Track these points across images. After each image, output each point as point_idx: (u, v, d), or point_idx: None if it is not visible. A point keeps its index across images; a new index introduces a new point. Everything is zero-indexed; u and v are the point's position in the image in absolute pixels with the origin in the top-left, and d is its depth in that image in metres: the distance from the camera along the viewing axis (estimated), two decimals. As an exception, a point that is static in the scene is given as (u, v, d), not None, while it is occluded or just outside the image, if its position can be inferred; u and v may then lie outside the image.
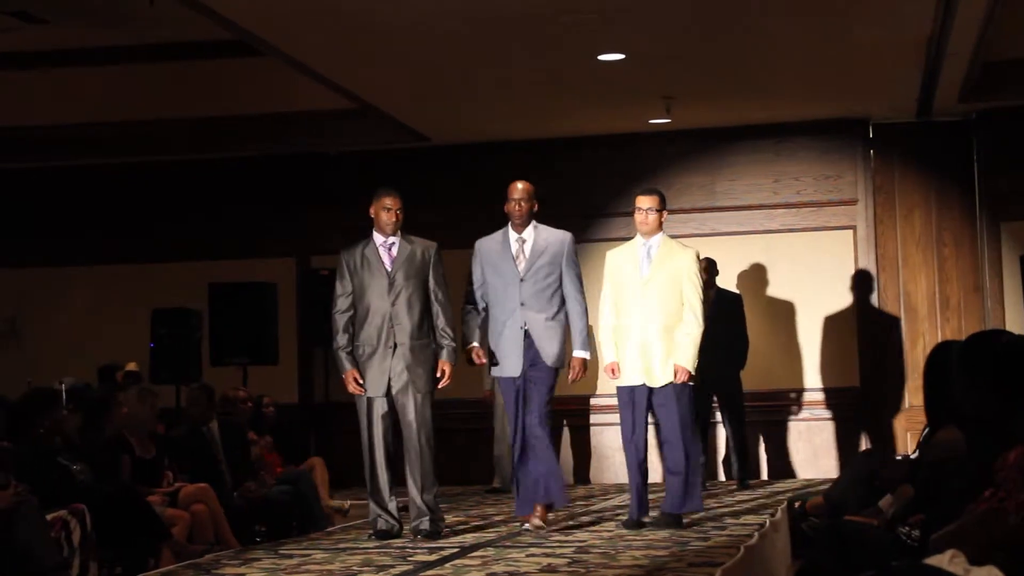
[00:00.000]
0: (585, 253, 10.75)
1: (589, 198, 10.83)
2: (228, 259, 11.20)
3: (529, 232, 6.74)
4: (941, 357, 4.97)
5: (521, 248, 6.71)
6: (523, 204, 6.70)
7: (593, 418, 10.75)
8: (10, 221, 11.73)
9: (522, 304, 6.60)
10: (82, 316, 11.44)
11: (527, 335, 6.60)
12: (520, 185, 6.75)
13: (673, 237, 7.11)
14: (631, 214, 7.05)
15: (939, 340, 10.33)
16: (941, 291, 10.54)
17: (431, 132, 10.52)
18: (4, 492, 5.57)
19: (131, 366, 9.88)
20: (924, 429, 6.21)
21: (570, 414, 10.70)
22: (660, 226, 6.75)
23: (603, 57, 8.52)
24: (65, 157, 11.41)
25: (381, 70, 8.74)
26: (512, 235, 6.75)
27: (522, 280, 6.64)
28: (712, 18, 7.79)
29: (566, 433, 10.83)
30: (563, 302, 6.69)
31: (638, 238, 6.75)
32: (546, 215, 10.63)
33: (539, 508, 6.64)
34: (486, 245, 6.79)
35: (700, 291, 6.72)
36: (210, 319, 10.14)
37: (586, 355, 6.73)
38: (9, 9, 7.77)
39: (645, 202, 6.76)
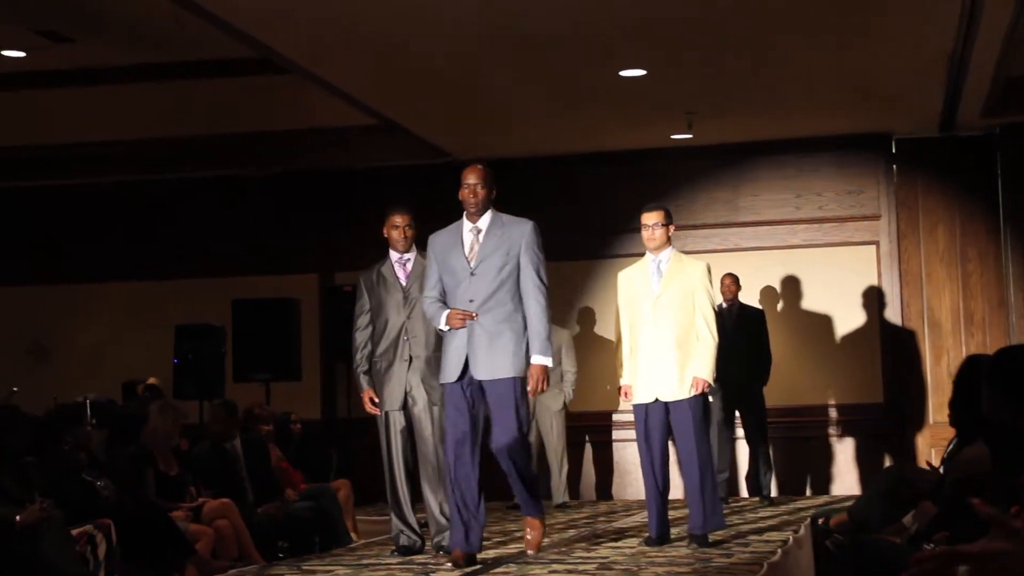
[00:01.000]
0: (606, 269, 10.80)
1: (611, 214, 10.85)
2: (251, 275, 11.26)
3: (485, 220, 5.87)
4: (971, 371, 4.93)
5: (476, 238, 5.85)
6: (479, 190, 5.83)
7: (615, 434, 10.74)
8: (36, 239, 11.83)
9: (471, 301, 5.75)
10: (107, 333, 11.52)
11: (473, 338, 5.74)
12: (478, 167, 5.91)
13: (687, 252, 7.06)
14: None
15: (963, 356, 10.30)
16: (965, 306, 10.49)
17: (453, 149, 10.56)
18: (30, 507, 5.61)
19: (151, 380, 9.94)
20: (949, 445, 6.18)
21: (592, 430, 10.70)
22: (668, 241, 6.64)
23: (625, 73, 8.53)
24: (90, 174, 11.50)
25: (403, 87, 8.78)
26: (466, 225, 5.90)
27: (472, 274, 5.78)
28: (733, 34, 7.80)
29: (588, 449, 10.82)
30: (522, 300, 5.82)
31: (648, 255, 6.70)
32: (568, 231, 10.76)
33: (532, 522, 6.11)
34: (439, 239, 5.96)
35: (713, 303, 6.66)
36: (233, 335, 10.20)
37: (546, 362, 5.77)
38: (37, 28, 7.86)
39: (650, 218, 6.64)
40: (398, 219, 6.58)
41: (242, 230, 11.50)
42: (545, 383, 5.80)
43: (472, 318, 5.71)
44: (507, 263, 5.77)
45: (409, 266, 6.59)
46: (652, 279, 6.61)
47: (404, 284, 6.54)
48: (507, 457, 5.79)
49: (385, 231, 6.64)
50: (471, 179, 5.86)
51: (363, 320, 6.61)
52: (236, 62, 8.58)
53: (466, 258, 5.82)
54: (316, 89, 8.70)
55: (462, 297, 5.78)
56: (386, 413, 6.51)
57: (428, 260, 6.02)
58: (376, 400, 6.51)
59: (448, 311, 5.78)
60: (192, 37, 7.87)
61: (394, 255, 6.62)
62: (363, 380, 6.57)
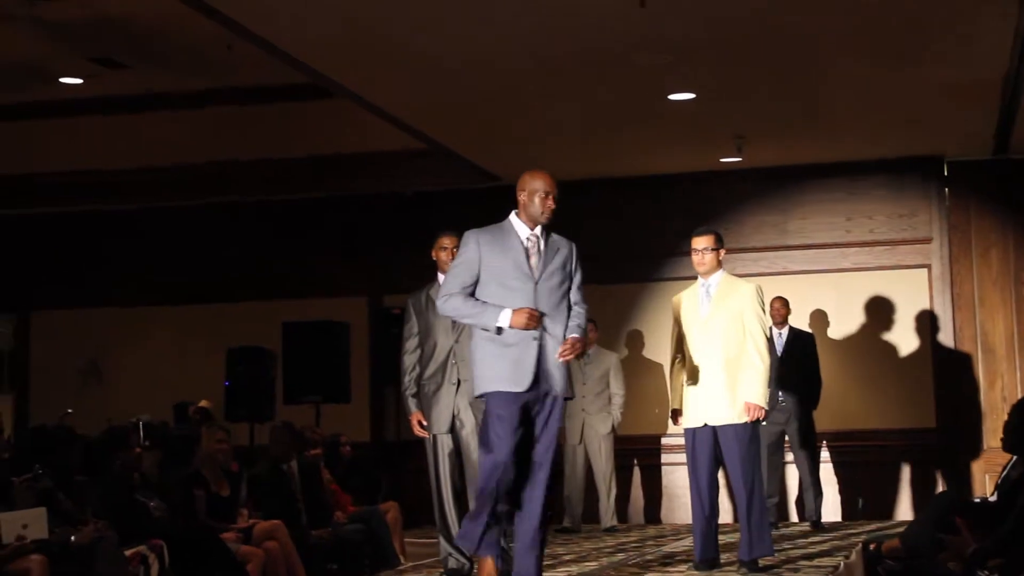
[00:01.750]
0: (655, 292, 10.79)
1: (660, 237, 10.84)
2: (302, 298, 11.35)
3: (538, 231, 5.54)
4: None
5: (536, 244, 5.51)
6: (555, 199, 5.52)
7: (664, 457, 10.68)
8: (91, 262, 12.01)
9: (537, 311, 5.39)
10: (160, 355, 11.65)
11: (547, 350, 5.39)
12: (549, 175, 5.59)
13: (736, 275, 7.03)
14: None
15: (1018, 381, 10.18)
16: (1020, 331, 10.36)
17: (501, 171, 10.60)
18: (84, 528, 5.68)
19: (203, 403, 10.03)
20: (1003, 471, 6.11)
21: (641, 453, 10.66)
22: (719, 264, 6.62)
23: (674, 96, 8.54)
24: (145, 198, 11.67)
25: (451, 111, 8.84)
26: (522, 230, 5.52)
27: (536, 284, 5.41)
28: (783, 57, 7.78)
29: (637, 472, 10.78)
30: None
31: (699, 279, 6.70)
32: (616, 254, 10.76)
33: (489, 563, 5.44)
34: (486, 236, 5.51)
35: (764, 325, 6.56)
36: (284, 358, 10.28)
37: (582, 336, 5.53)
38: (93, 56, 8.01)
39: (700, 242, 6.64)
40: (447, 241, 6.60)
41: (293, 253, 11.60)
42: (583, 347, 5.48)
43: (540, 321, 5.34)
44: (564, 279, 5.51)
45: None
46: (701, 303, 6.60)
47: None
48: (546, 474, 5.42)
49: (434, 253, 6.68)
50: (548, 186, 5.50)
51: (411, 343, 6.64)
52: (287, 87, 8.69)
53: (529, 264, 5.44)
54: (366, 113, 8.78)
55: (522, 305, 5.36)
56: (434, 436, 6.53)
57: (466, 254, 5.48)
58: (424, 423, 6.54)
59: (512, 309, 5.31)
60: (244, 63, 7.98)
61: (442, 278, 6.65)
62: (411, 403, 6.59)
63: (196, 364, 11.15)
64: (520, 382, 5.32)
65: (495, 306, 5.34)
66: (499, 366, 5.35)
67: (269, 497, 7.27)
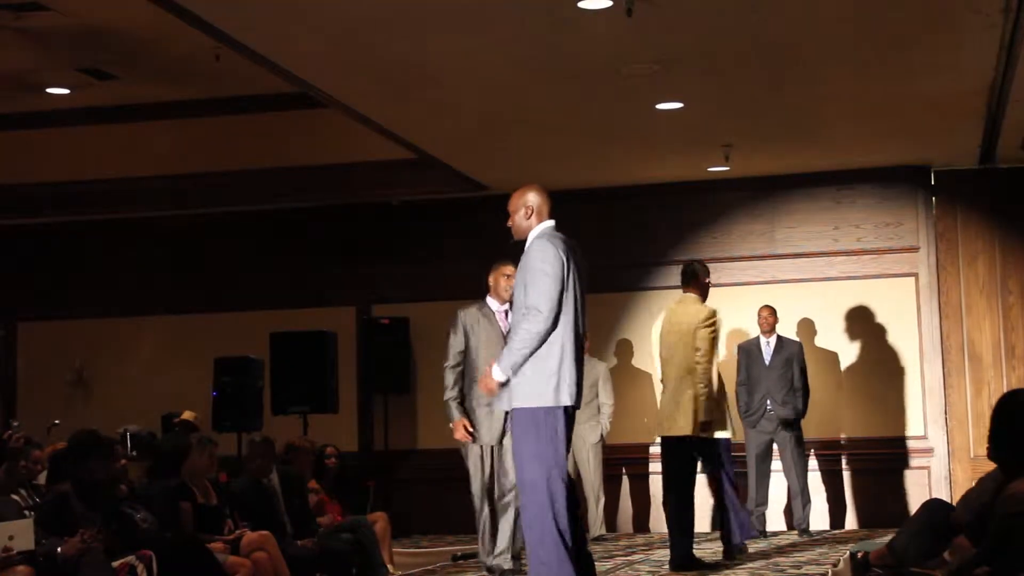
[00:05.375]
0: (643, 301, 10.80)
1: (648, 246, 10.86)
2: (289, 308, 11.33)
3: None
4: (1012, 405, 4.92)
5: None
6: None
7: (652, 466, 10.67)
8: (78, 273, 11.97)
9: None
10: (147, 365, 11.61)
11: None
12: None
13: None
14: (689, 263, 7.33)
15: (1004, 389, 10.20)
16: (1006, 339, 10.39)
17: (490, 181, 10.60)
18: (71, 539, 5.65)
19: (187, 415, 9.97)
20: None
21: (629, 462, 10.66)
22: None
23: (661, 106, 8.55)
24: (131, 209, 11.64)
25: (440, 121, 8.84)
26: None
27: None
28: (770, 66, 7.81)
29: (625, 481, 10.78)
30: None
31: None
32: (604, 263, 10.76)
33: None
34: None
35: (708, 344, 7.18)
36: (271, 368, 10.26)
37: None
38: (81, 66, 8.00)
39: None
40: (509, 269, 6.73)
41: (280, 263, 11.58)
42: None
43: None
44: None
45: (509, 317, 6.73)
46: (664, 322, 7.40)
47: (506, 334, 6.70)
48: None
49: (493, 278, 6.86)
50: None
51: (456, 358, 6.87)
52: (276, 97, 8.69)
53: None
54: (354, 123, 8.78)
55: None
56: (480, 446, 6.68)
57: (560, 273, 5.53)
58: (471, 429, 6.67)
59: None
60: (233, 73, 7.98)
61: (494, 304, 6.82)
62: (455, 410, 6.75)
63: (183, 374, 11.11)
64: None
65: None
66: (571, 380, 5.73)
67: (250, 511, 7.25)
